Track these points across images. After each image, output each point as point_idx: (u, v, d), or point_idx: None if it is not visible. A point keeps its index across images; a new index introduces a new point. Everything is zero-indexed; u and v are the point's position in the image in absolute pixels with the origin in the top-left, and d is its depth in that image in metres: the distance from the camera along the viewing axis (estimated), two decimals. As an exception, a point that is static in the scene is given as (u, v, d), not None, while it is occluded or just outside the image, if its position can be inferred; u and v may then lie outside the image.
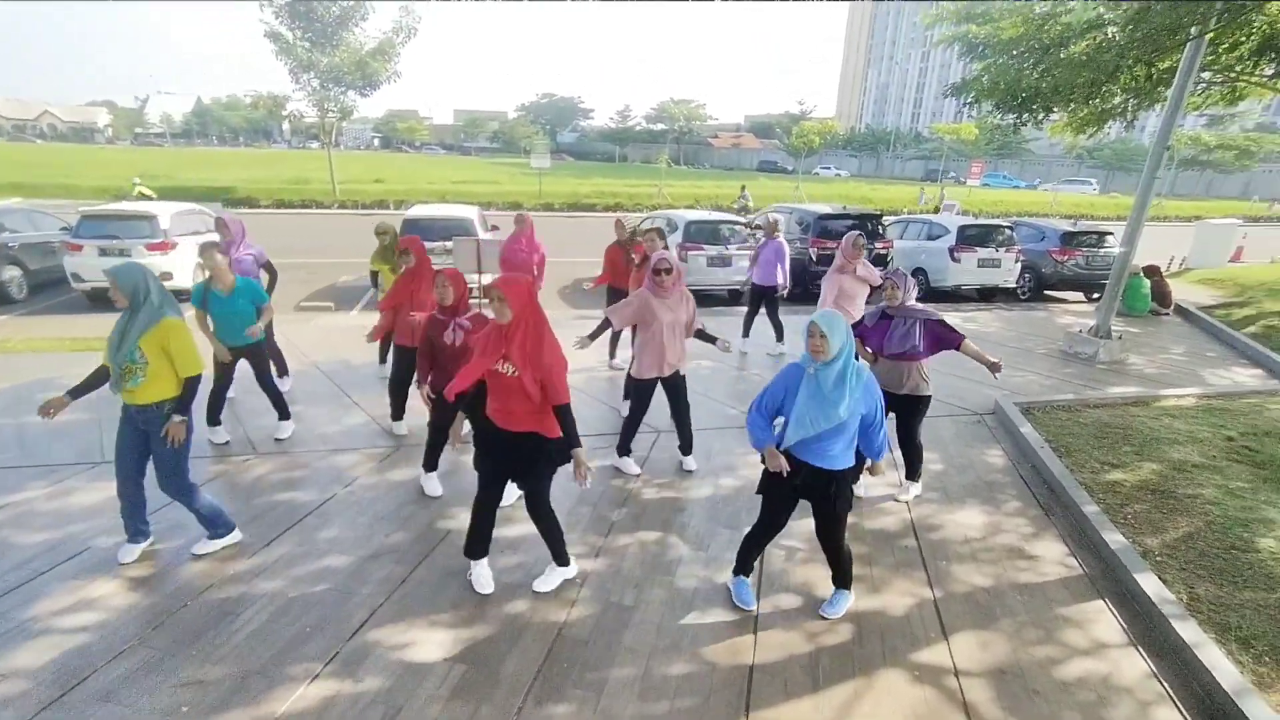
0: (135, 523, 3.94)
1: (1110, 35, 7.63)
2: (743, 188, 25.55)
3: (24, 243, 11.19)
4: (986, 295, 13.74)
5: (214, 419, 5.37)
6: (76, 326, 8.93)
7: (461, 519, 4.44)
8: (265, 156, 60.92)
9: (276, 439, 5.51)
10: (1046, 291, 14.08)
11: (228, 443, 5.43)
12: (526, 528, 4.33)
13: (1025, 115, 9.95)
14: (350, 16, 26.23)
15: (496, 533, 4.27)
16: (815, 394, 3.23)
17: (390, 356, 5.89)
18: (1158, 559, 4.15)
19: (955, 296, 13.42)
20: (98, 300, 10.27)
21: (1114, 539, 4.30)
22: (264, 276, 6.62)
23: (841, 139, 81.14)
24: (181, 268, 10.74)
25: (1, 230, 10.99)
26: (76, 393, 3.65)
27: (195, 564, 3.90)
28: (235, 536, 4.13)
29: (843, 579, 3.72)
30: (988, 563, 4.21)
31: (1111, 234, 13.53)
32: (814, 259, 12.50)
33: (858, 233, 6.49)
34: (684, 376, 5.17)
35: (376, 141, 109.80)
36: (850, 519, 4.41)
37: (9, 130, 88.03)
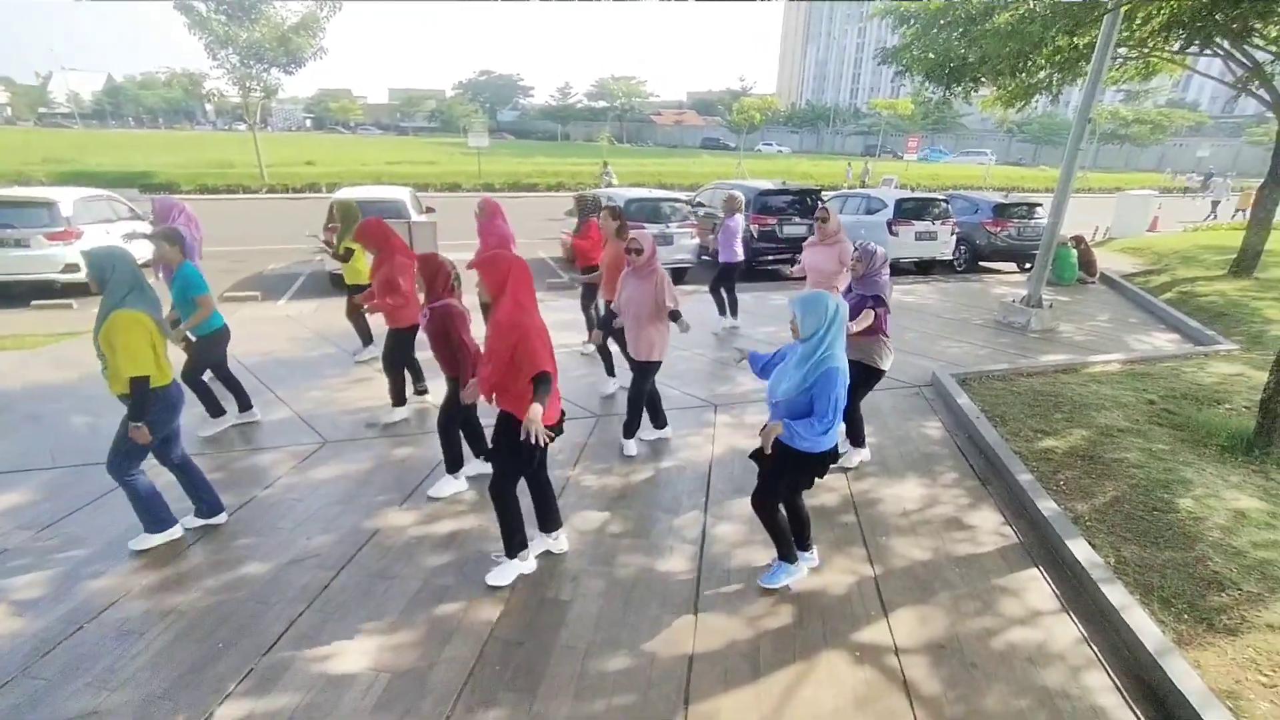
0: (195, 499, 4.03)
1: (1032, 6, 7.73)
2: (604, 164, 24.31)
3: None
4: (924, 268, 13.98)
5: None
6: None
7: (389, 517, 4.24)
8: (187, 139, 57.71)
9: (201, 436, 5.17)
10: (982, 263, 14.42)
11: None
12: (460, 522, 4.19)
13: (954, 87, 10.05)
14: (268, -13, 24.87)
15: (427, 529, 4.13)
16: (783, 367, 3.31)
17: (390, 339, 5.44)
18: (1087, 524, 4.24)
19: (895, 270, 13.58)
20: (-4, 295, 9.54)
21: (1047, 506, 4.38)
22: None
23: (782, 116, 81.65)
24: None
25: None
26: None
27: (95, 581, 3.59)
28: (174, 533, 3.95)
29: (780, 549, 3.67)
30: (926, 536, 4.23)
31: (1041, 206, 13.93)
32: (755, 235, 12.46)
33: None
34: (645, 363, 4.96)
35: (308, 122, 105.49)
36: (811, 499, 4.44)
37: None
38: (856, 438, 5.09)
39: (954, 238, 13.51)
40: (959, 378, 6.72)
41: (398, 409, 5.57)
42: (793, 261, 13.10)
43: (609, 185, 22.20)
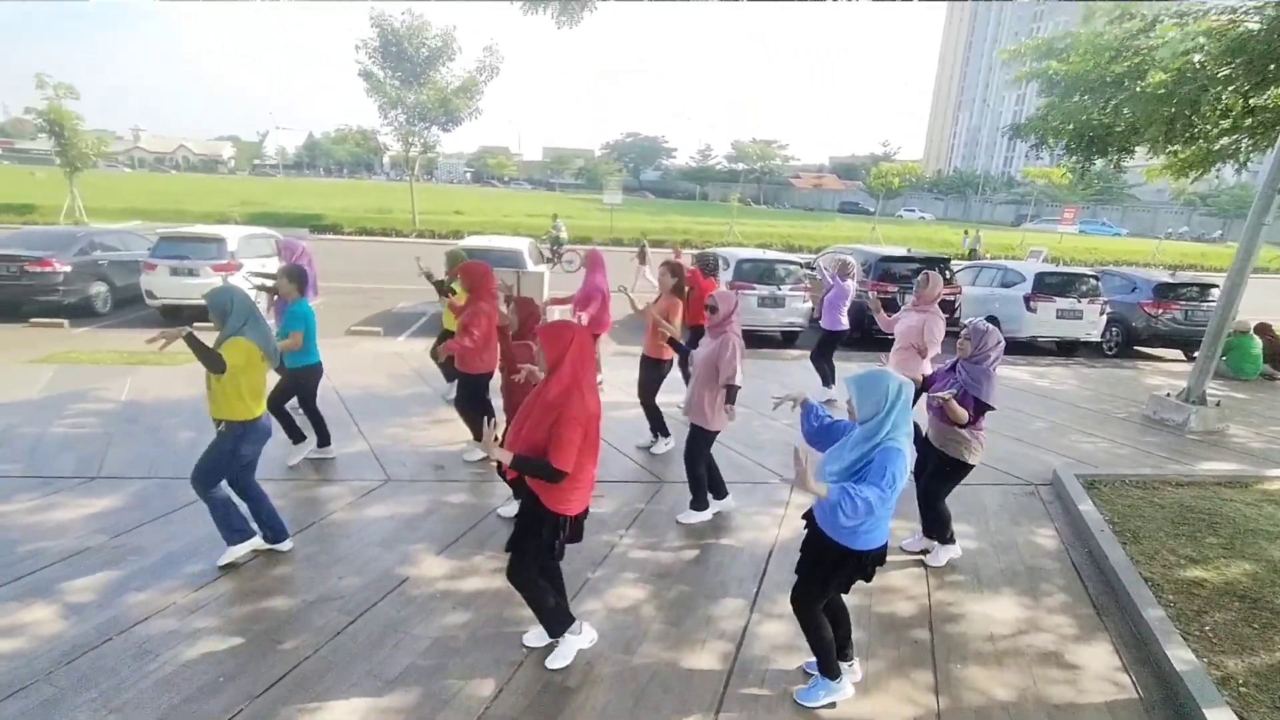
0: (259, 523, 4.14)
1: (1197, 63, 6.79)
2: (554, 217, 23.40)
3: (113, 261, 11.90)
4: (1067, 349, 12.62)
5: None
6: (138, 341, 9.31)
7: (423, 565, 4.14)
8: (361, 188, 64.48)
9: (290, 464, 5.40)
10: (1138, 347, 12.81)
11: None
12: (490, 581, 4.01)
13: (1096, 156, 9.04)
14: (438, 57, 27.46)
15: (454, 583, 3.97)
16: (838, 447, 2.93)
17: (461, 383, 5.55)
18: (1240, 689, 3.36)
19: (1031, 349, 12.37)
20: (169, 316, 10.76)
21: (1182, 656, 3.54)
22: None
23: (927, 181, 78.87)
24: (244, 288, 11.14)
25: (95, 249, 11.77)
26: (193, 339, 3.61)
27: (139, 594, 3.72)
28: (255, 542, 4.12)
29: (820, 663, 3.18)
30: (1014, 669, 3.53)
31: (1216, 286, 12.21)
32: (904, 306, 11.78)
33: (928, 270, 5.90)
34: (696, 427, 4.70)
35: (468, 176, 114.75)
36: (855, 599, 3.91)
37: (150, 162, 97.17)
38: (942, 533, 4.49)
39: (1104, 318, 12.12)
40: (1086, 479, 5.80)
41: (479, 447, 5.61)
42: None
43: (557, 237, 21.46)
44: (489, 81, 28.50)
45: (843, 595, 3.23)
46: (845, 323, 7.89)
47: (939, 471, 4.33)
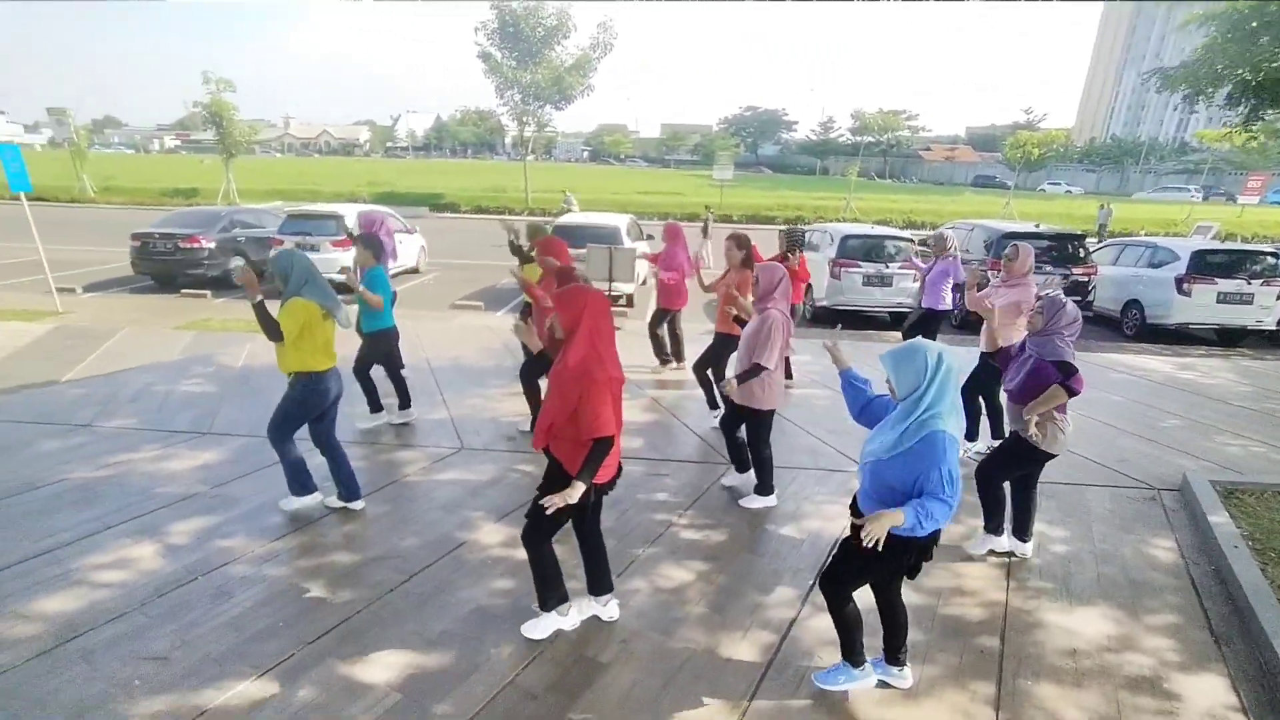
0: (337, 482, 4.44)
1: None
2: (564, 192, 21.75)
3: (249, 237, 13.07)
4: (1230, 338, 11.13)
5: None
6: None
7: (482, 531, 4.25)
8: (481, 167, 67.18)
9: (359, 428, 5.73)
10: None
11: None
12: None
13: (1268, 107, 7.74)
14: (553, 36, 27.90)
15: (509, 550, 4.04)
16: (881, 424, 2.78)
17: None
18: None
19: (1184, 337, 11.02)
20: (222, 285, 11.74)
21: (1312, 695, 3.02)
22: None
23: (1077, 152, 71.62)
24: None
25: (235, 227, 12.97)
26: (260, 308, 3.94)
27: (227, 540, 4.06)
28: (313, 499, 4.42)
29: (846, 646, 3.00)
30: (1095, 692, 3.14)
31: None
32: (992, 282, 10.86)
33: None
34: (739, 406, 4.55)
35: (586, 155, 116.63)
36: (921, 598, 3.64)
37: (297, 148, 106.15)
38: (991, 518, 4.19)
39: (1280, 303, 10.55)
40: (1225, 487, 5.06)
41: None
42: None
43: (568, 211, 20.55)
44: (602, 58, 28.72)
45: (900, 592, 3.01)
46: (948, 302, 7.30)
47: (1013, 453, 3.97)
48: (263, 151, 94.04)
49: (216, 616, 3.39)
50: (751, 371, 4.30)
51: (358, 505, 4.44)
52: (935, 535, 2.72)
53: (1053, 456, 3.90)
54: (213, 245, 12.10)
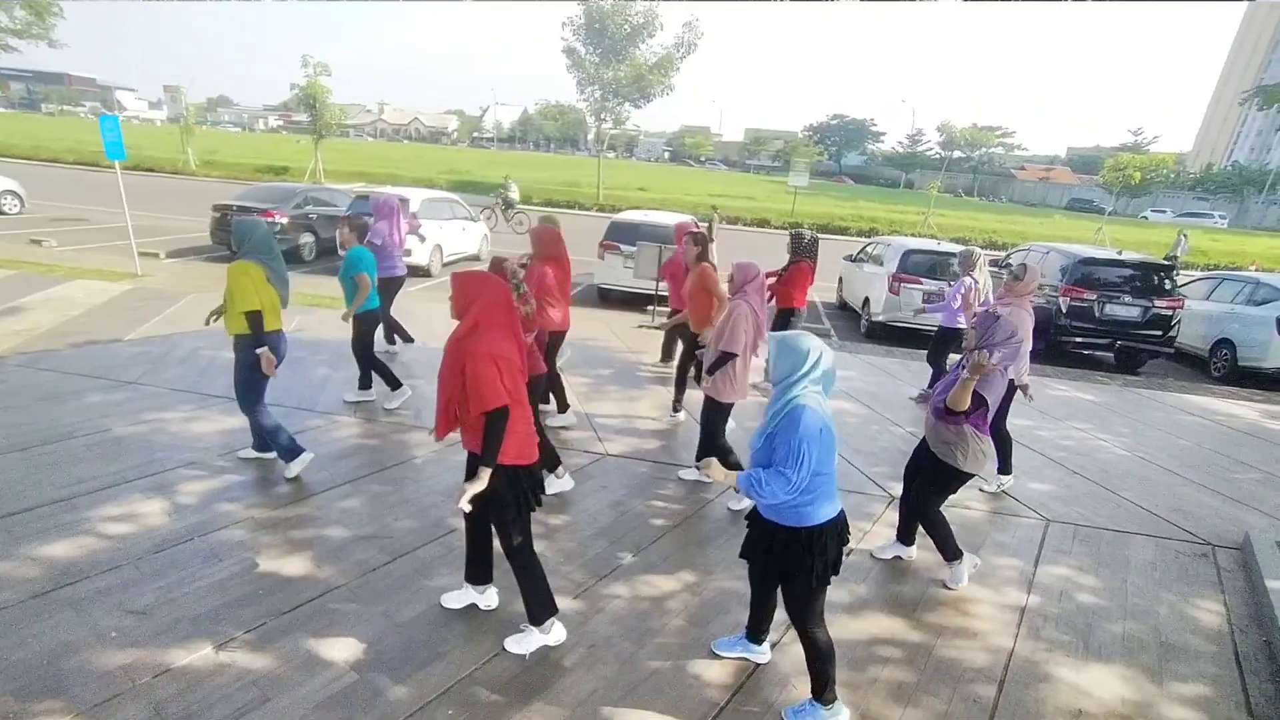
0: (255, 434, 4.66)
1: None
2: (506, 177, 20.73)
3: (321, 215, 13.59)
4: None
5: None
6: (325, 286, 10.57)
7: (474, 520, 4.23)
8: (560, 161, 67.97)
9: (385, 408, 5.82)
10: None
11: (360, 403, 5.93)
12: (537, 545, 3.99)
13: None
14: (639, 33, 27.94)
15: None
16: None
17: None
18: None
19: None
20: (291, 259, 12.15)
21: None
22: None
23: (1190, 178, 66.85)
24: (419, 246, 12.17)
25: (308, 204, 13.51)
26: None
27: (229, 505, 4.18)
28: (306, 459, 4.58)
29: (815, 681, 2.83)
30: (1097, 764, 2.85)
31: None
32: (1063, 310, 10.22)
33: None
34: (709, 399, 4.58)
35: (666, 155, 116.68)
36: (919, 635, 3.40)
37: (389, 133, 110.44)
38: (946, 550, 3.94)
39: None
40: (1293, 550, 4.56)
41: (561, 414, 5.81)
42: (1114, 349, 10.56)
43: (508, 198, 20.15)
44: (685, 58, 28.58)
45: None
46: (964, 321, 6.90)
47: (930, 477, 3.79)
48: (356, 135, 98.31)
49: (203, 578, 3.48)
50: (721, 359, 4.33)
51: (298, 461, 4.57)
52: (836, 521, 2.70)
53: (966, 477, 3.73)
54: (285, 220, 12.64)
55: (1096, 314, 10.14)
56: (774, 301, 7.15)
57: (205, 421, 5.26)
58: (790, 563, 2.66)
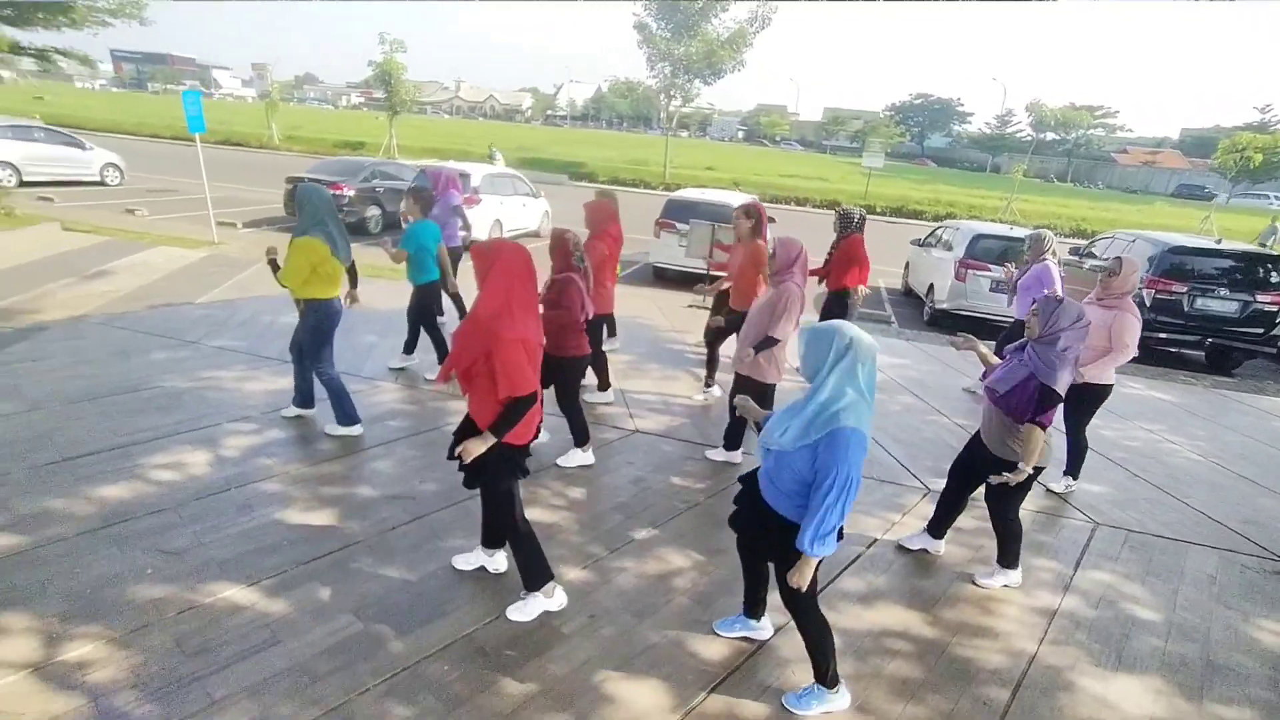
0: (298, 392, 4.92)
1: None
2: (490, 146, 19.41)
3: (387, 188, 14.00)
4: None
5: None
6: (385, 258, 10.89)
7: (496, 487, 4.30)
8: (633, 140, 67.81)
9: (426, 378, 5.98)
10: None
11: (403, 369, 6.14)
12: (549, 514, 4.06)
13: None
14: (712, 7, 27.41)
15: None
16: (792, 404, 2.56)
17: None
18: None
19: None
20: (357, 231, 12.47)
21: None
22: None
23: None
24: (479, 221, 12.39)
25: (375, 178, 13.94)
26: (273, 263, 4.64)
27: (269, 459, 4.39)
28: (357, 429, 4.79)
29: (815, 665, 2.78)
30: (1112, 780, 2.68)
31: None
32: (1146, 304, 9.51)
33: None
34: (739, 375, 4.45)
35: (740, 135, 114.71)
36: (934, 631, 3.30)
37: (465, 110, 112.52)
38: (1006, 555, 3.76)
39: None
40: (1377, 572, 4.14)
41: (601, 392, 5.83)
42: (1204, 346, 9.77)
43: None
44: (759, 32, 27.89)
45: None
46: None
47: (1001, 485, 3.46)
48: (433, 112, 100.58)
49: (234, 526, 3.67)
50: (765, 343, 4.18)
51: (356, 430, 4.79)
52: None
53: (1041, 470, 3.50)
54: (353, 193, 13.08)
55: (1186, 308, 9.41)
56: (824, 284, 6.92)
57: (256, 381, 5.53)
58: (789, 552, 2.57)
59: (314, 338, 4.60)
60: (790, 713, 2.79)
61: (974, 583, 3.79)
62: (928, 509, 4.54)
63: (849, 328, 2.42)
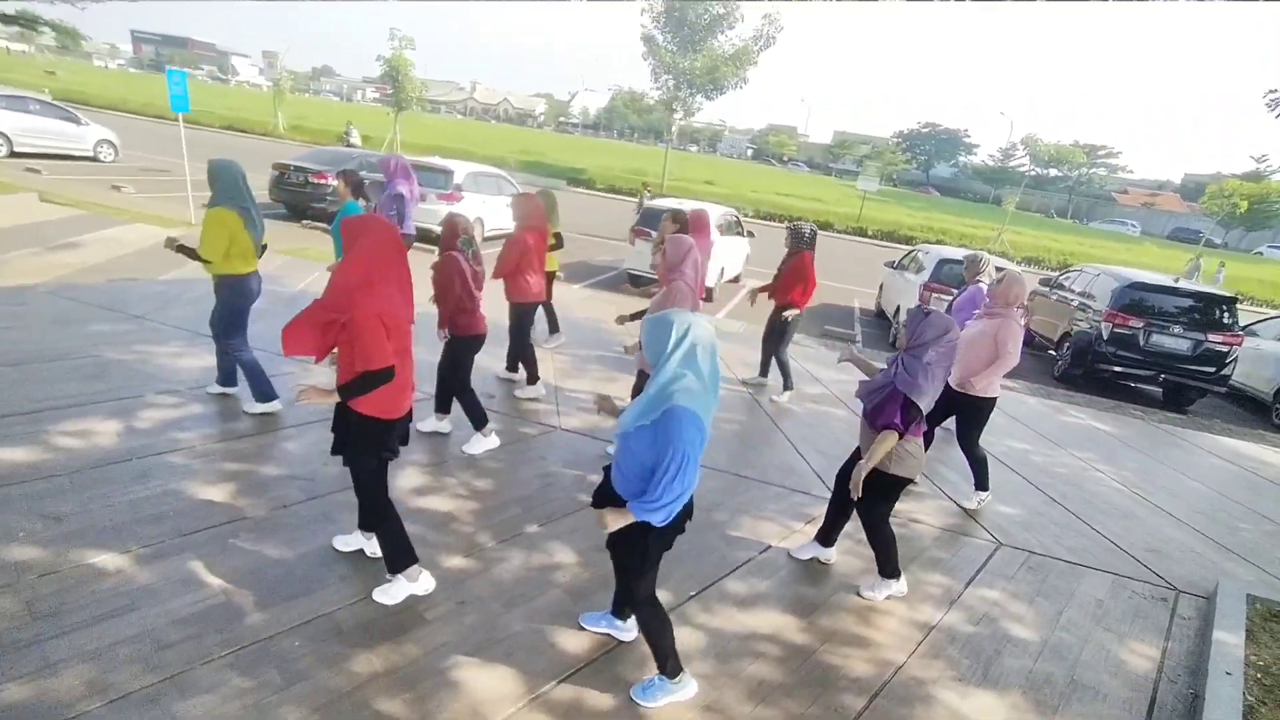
0: (220, 370, 5.02)
1: None
2: (348, 123, 19.37)
3: (372, 181, 14.03)
4: None
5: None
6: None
7: (405, 473, 4.33)
8: (639, 150, 68.15)
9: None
10: None
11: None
12: (440, 502, 4.09)
13: None
14: (719, 24, 27.65)
15: (408, 498, 4.09)
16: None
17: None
18: None
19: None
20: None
21: None
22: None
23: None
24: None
25: (362, 169, 13.96)
26: (180, 247, 4.51)
27: (182, 433, 4.42)
28: (275, 405, 4.85)
29: (654, 655, 2.82)
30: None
31: None
32: (1104, 337, 9.58)
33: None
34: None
35: (749, 153, 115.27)
36: (805, 638, 3.33)
37: (479, 112, 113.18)
38: (885, 564, 3.80)
39: None
40: (1266, 608, 4.17)
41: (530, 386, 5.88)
42: (1159, 383, 9.81)
43: (349, 144, 19.52)
44: (763, 51, 28.11)
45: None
46: None
47: (870, 491, 3.51)
48: (447, 112, 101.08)
49: (126, 494, 3.70)
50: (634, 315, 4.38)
51: (274, 406, 4.87)
52: (666, 529, 2.56)
53: (910, 480, 3.56)
54: (338, 183, 13.13)
55: (1141, 343, 9.48)
56: (773, 299, 6.95)
57: (191, 358, 5.57)
58: (630, 534, 2.58)
59: (228, 314, 4.67)
60: (636, 705, 2.82)
61: (859, 594, 3.82)
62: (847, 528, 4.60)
63: (688, 315, 2.48)
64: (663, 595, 3.50)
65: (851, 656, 3.34)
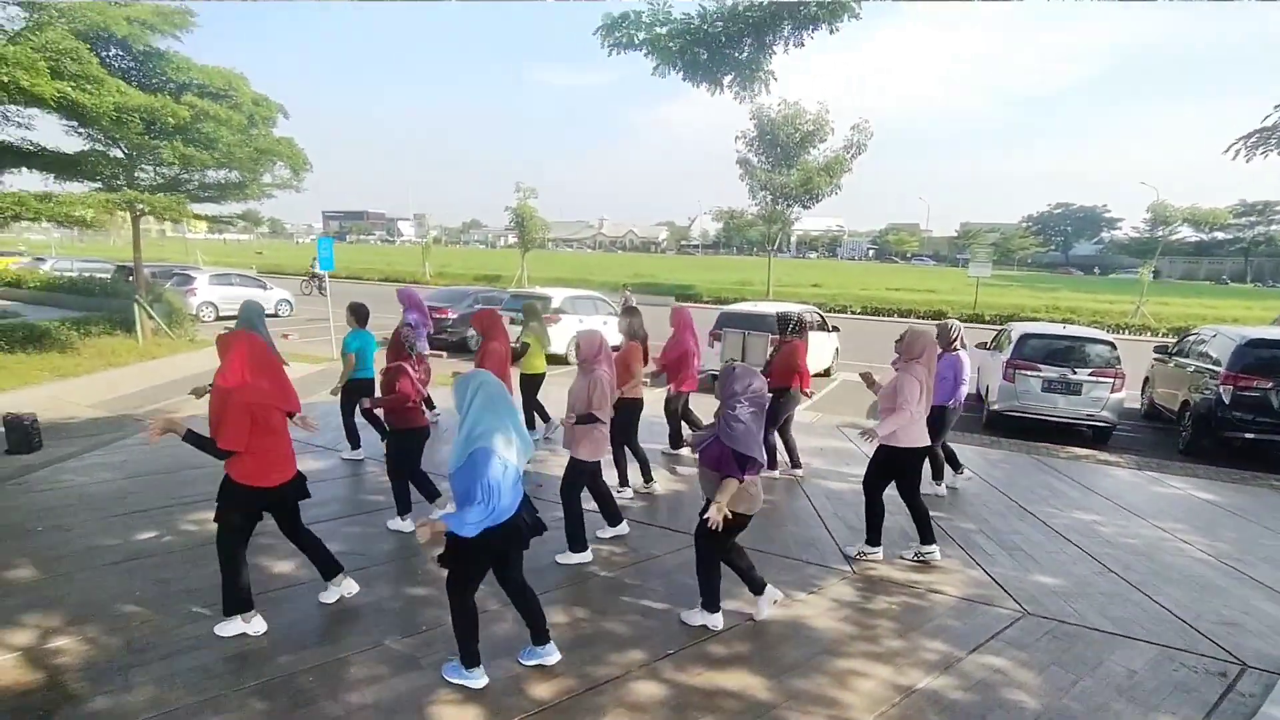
0: None
1: None
2: (312, 260, 19.30)
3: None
4: None
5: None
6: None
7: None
8: (749, 263, 69.80)
9: (343, 458, 6.96)
10: None
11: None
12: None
13: None
14: (809, 140, 28.94)
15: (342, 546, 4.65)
16: None
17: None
18: None
19: None
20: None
21: None
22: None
23: None
24: (558, 338, 13.64)
25: (476, 304, 15.85)
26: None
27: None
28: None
29: (459, 645, 3.40)
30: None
31: None
32: (1226, 401, 8.70)
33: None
34: (573, 459, 4.85)
35: (871, 253, 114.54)
36: (768, 694, 3.52)
37: (606, 244, 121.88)
38: (709, 599, 4.06)
39: None
40: (1347, 681, 3.66)
41: None
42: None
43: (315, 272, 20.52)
44: (855, 158, 28.88)
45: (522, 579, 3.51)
46: (958, 397, 6.35)
47: (705, 527, 3.74)
48: (578, 248, 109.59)
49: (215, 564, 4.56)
50: (586, 419, 4.67)
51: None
52: (509, 527, 3.19)
53: (749, 518, 3.88)
54: (455, 316, 14.98)
55: (1271, 404, 8.52)
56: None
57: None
58: (465, 561, 3.27)
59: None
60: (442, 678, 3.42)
61: (680, 620, 4.10)
62: (840, 590, 4.64)
63: (479, 374, 3.23)
64: (638, 653, 3.77)
65: (812, 712, 3.37)
